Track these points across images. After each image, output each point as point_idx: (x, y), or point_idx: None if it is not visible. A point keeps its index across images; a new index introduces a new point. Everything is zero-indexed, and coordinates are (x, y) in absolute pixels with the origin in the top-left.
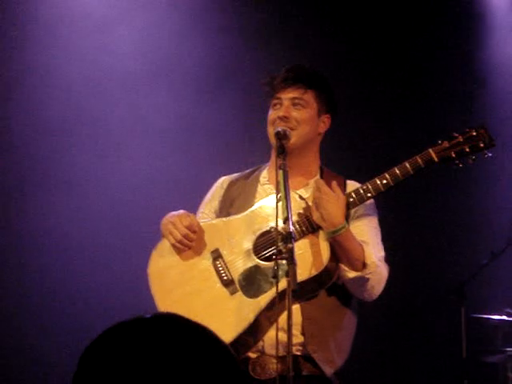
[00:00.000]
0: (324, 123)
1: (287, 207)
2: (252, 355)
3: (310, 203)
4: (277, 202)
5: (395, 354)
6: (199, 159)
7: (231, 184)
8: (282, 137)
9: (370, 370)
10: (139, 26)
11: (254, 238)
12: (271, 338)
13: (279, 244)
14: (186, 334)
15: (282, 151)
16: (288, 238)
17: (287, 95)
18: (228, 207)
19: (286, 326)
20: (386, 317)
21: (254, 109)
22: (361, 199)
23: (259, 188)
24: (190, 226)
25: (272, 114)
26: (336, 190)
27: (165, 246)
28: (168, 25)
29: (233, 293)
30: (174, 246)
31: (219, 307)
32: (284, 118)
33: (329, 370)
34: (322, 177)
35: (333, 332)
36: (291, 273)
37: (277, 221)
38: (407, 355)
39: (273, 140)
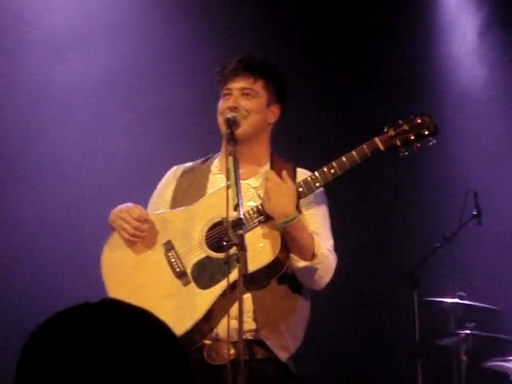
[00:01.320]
0: (273, 113)
1: (237, 194)
2: (207, 342)
3: (261, 193)
4: (227, 189)
5: (348, 338)
6: (151, 148)
7: (184, 173)
8: (232, 124)
9: (325, 355)
10: None
11: (205, 228)
12: (225, 324)
13: (229, 231)
14: (132, 319)
15: (232, 138)
16: (238, 224)
17: (236, 85)
18: (181, 197)
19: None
20: (339, 303)
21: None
22: (309, 189)
23: (210, 177)
24: (139, 218)
25: (222, 104)
26: (287, 181)
27: (116, 239)
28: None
29: (185, 284)
30: (127, 240)
31: (172, 299)
32: (233, 108)
33: (283, 355)
34: (272, 165)
35: (285, 318)
36: (242, 259)
37: (227, 207)
38: (361, 340)
39: (223, 129)
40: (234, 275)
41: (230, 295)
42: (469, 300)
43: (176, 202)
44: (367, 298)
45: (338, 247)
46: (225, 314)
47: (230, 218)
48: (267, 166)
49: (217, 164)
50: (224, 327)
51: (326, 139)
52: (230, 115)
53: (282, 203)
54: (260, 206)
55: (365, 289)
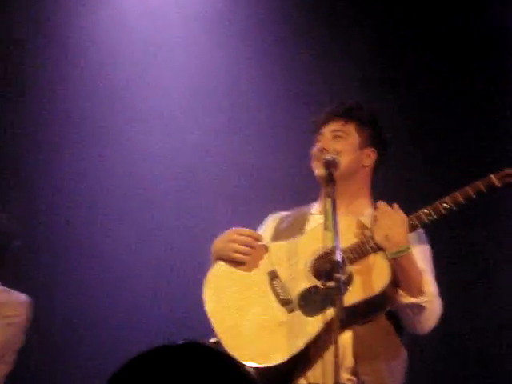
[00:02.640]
0: (369, 156)
1: (335, 236)
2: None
3: (370, 225)
4: (324, 230)
5: None
6: (246, 198)
7: (282, 217)
8: (330, 164)
9: None
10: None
11: (311, 259)
12: (321, 367)
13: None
14: (215, 363)
15: (331, 179)
16: (336, 267)
17: (327, 128)
18: (280, 236)
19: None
20: (441, 353)
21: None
22: (421, 222)
23: (310, 218)
24: (252, 235)
25: (314, 149)
26: (398, 211)
27: (220, 267)
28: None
29: (291, 311)
30: (241, 262)
31: (275, 326)
32: (324, 150)
33: None
34: (375, 208)
35: (386, 358)
36: (338, 303)
37: (325, 248)
38: None
39: (319, 172)
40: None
41: (332, 331)
42: None
43: (276, 240)
44: (474, 349)
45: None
46: (322, 352)
47: (329, 259)
48: (371, 209)
49: (316, 207)
50: (319, 368)
51: (428, 190)
52: (328, 156)
53: (394, 232)
54: (369, 237)
55: (471, 339)
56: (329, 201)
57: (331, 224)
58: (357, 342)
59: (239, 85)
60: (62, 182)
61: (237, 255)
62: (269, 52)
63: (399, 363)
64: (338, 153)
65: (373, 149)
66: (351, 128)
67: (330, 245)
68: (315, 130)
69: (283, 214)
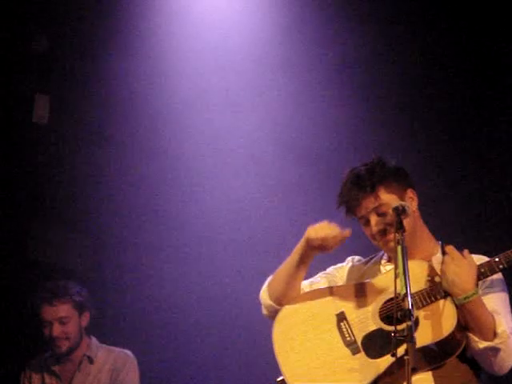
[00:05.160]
0: (412, 199)
1: (405, 283)
2: None
3: (439, 270)
4: (395, 278)
5: None
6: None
7: (358, 261)
8: (400, 212)
9: None
10: None
11: (379, 302)
12: None
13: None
14: None
15: (400, 227)
16: (407, 315)
17: (364, 211)
18: (354, 278)
19: None
20: None
21: None
22: (492, 270)
23: (381, 267)
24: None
25: (367, 231)
26: (467, 257)
27: (286, 311)
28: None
29: (355, 353)
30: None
31: (340, 366)
32: (382, 232)
33: None
34: (443, 252)
35: None
36: (410, 351)
37: (395, 293)
38: None
39: (387, 249)
40: (402, 350)
41: (399, 372)
42: None
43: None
44: None
45: None
46: None
47: (399, 306)
48: (439, 254)
49: (385, 257)
50: None
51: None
52: (398, 204)
53: (463, 278)
54: (439, 283)
55: None
56: (399, 248)
57: (402, 271)
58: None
59: None
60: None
61: (326, 245)
62: None
63: None
64: (391, 226)
65: (409, 189)
66: (383, 194)
67: (400, 291)
68: (348, 213)
69: (356, 258)
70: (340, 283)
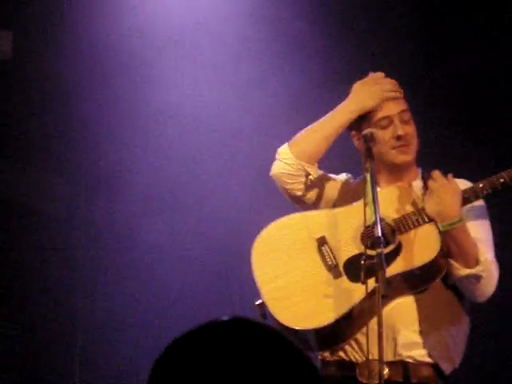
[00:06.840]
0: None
1: (375, 211)
2: (359, 359)
3: (423, 195)
4: (364, 207)
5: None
6: None
7: (349, 178)
8: (368, 140)
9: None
10: None
11: (360, 228)
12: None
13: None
14: (263, 338)
15: (370, 154)
16: (377, 242)
17: (394, 111)
18: (342, 200)
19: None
20: (499, 320)
21: None
22: (476, 196)
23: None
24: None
25: (387, 134)
26: (452, 182)
27: (270, 230)
28: None
29: (336, 277)
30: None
31: (321, 290)
32: (404, 137)
33: (446, 367)
34: (423, 177)
35: (448, 329)
36: (380, 279)
37: (364, 224)
38: None
39: (404, 158)
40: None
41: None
42: None
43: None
44: None
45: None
46: (370, 319)
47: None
48: (419, 181)
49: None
50: (376, 345)
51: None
52: (367, 131)
53: (448, 204)
54: (421, 208)
55: None
56: (368, 176)
57: (371, 200)
58: (420, 315)
59: None
60: None
61: (388, 93)
62: None
63: (462, 334)
64: (412, 137)
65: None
66: (407, 106)
67: (371, 220)
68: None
69: (349, 177)
70: (328, 193)
